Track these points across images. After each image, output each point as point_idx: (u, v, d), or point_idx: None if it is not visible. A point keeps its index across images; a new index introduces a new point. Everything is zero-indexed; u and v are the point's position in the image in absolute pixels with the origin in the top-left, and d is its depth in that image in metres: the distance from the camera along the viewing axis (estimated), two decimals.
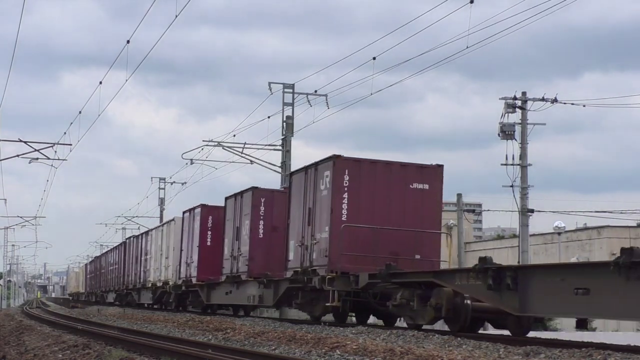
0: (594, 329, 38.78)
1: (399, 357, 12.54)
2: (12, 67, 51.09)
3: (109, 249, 70.29)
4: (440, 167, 22.50)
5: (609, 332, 34.93)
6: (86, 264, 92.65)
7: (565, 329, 35.02)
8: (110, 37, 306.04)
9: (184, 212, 36.98)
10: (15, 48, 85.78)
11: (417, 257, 21.75)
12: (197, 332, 20.79)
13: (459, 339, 15.96)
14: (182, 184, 62.53)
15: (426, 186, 22.24)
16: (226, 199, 31.32)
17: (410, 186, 22.18)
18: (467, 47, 24.34)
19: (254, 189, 28.42)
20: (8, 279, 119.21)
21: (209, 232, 33.63)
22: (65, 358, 15.24)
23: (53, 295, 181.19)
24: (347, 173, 21.80)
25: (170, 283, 38.49)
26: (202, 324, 23.39)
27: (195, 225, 34.60)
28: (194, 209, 35.24)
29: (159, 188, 68.74)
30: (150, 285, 43.74)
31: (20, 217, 77.69)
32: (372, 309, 22.94)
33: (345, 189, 21.70)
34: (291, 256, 24.24)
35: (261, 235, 28.13)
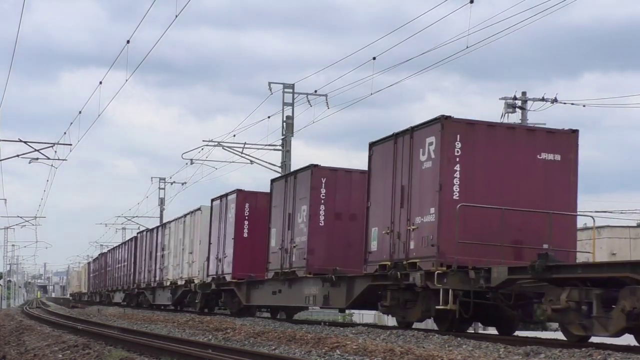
0: None
1: (399, 357, 12.54)
2: (12, 67, 51.11)
3: (113, 246, 68.12)
4: (575, 133, 18.66)
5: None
6: (89, 262, 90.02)
7: None
8: (110, 37, 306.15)
9: (213, 200, 32.81)
10: (15, 48, 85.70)
11: (545, 246, 17.45)
12: (197, 332, 20.80)
13: (459, 339, 15.97)
14: (182, 184, 62.48)
15: (557, 157, 18.46)
16: (272, 181, 27.42)
17: (538, 157, 18.50)
18: (467, 47, 24.29)
19: (313, 167, 24.18)
20: (8, 279, 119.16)
21: (246, 222, 29.63)
22: (65, 358, 15.24)
23: (53, 295, 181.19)
24: (459, 139, 17.80)
25: (196, 281, 34.40)
26: (202, 324, 23.40)
27: (229, 215, 30.46)
28: (226, 195, 31.13)
29: (159, 188, 68.67)
30: (168, 284, 39.68)
31: (20, 217, 77.67)
32: (497, 314, 18.42)
33: (457, 159, 17.75)
34: (374, 247, 20.17)
35: (322, 223, 24.02)
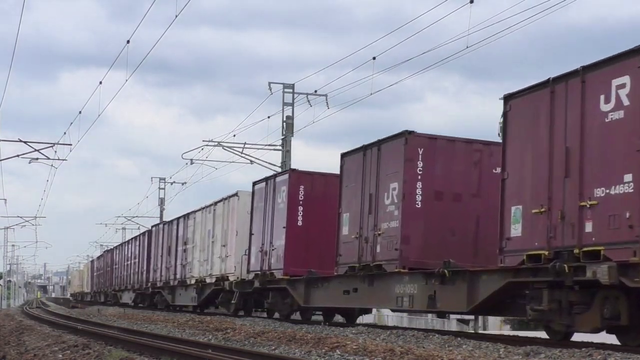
0: None
1: (399, 357, 12.54)
2: (12, 67, 51.16)
3: (117, 243, 66.46)
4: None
5: None
6: (92, 260, 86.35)
7: None
8: (110, 37, 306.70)
9: (254, 183, 28.21)
10: (15, 48, 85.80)
11: None
12: (197, 332, 20.80)
13: (458, 338, 15.98)
14: (182, 184, 62.45)
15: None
16: (344, 155, 22.24)
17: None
18: (467, 47, 24.24)
19: (407, 135, 19.43)
20: (8, 279, 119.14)
21: (300, 208, 25.07)
22: (65, 358, 15.23)
23: (53, 295, 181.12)
24: None
25: (231, 279, 29.78)
26: (202, 324, 23.40)
27: (278, 199, 25.89)
28: (274, 177, 26.84)
29: (159, 188, 68.64)
30: (193, 282, 35.16)
31: (20, 217, 77.73)
32: None
33: None
34: (515, 231, 15.49)
35: (419, 205, 19.29)
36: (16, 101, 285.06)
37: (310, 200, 25.12)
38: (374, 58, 30.26)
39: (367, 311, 26.81)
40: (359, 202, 21.21)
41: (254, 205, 27.89)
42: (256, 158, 41.27)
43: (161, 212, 68.26)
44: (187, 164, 46.69)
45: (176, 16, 22.46)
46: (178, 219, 39.84)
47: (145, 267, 46.83)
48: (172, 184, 64.92)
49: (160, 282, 41.98)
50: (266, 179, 27.10)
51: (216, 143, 42.19)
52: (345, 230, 21.89)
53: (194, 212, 36.64)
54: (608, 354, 12.49)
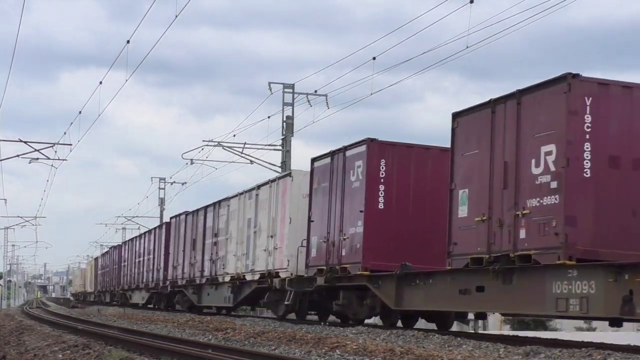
0: (594, 329, 38.74)
1: (399, 357, 12.54)
2: (12, 67, 51.15)
3: (115, 243, 65.33)
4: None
5: (609, 331, 34.94)
6: (97, 258, 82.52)
7: (565, 329, 35.01)
8: (110, 37, 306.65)
9: (314, 159, 23.36)
10: (15, 48, 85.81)
11: None
12: (197, 332, 20.79)
13: (458, 338, 15.98)
14: (182, 184, 62.43)
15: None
16: (456, 115, 17.58)
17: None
18: (467, 47, 24.21)
19: (571, 78, 14.61)
20: (8, 279, 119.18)
21: (382, 187, 20.45)
22: (65, 358, 15.23)
23: (53, 295, 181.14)
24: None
25: (283, 275, 25.07)
26: (202, 324, 23.38)
27: (351, 177, 21.17)
28: (344, 149, 21.60)
29: (159, 188, 68.63)
30: (228, 279, 30.61)
31: (20, 217, 77.78)
32: None
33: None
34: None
35: (587, 174, 14.53)
36: (16, 101, 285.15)
37: (394, 177, 20.50)
38: (374, 58, 30.24)
39: (482, 315, 20.89)
40: (485, 173, 16.53)
41: (314, 186, 23.17)
42: (256, 158, 41.29)
43: (161, 212, 68.27)
44: (187, 164, 46.67)
45: (176, 16, 22.47)
46: (206, 207, 34.73)
47: (162, 264, 42.17)
48: (172, 184, 64.92)
49: (183, 279, 37.16)
50: (332, 154, 22.30)
51: (216, 143, 42.21)
52: (462, 212, 17.18)
53: (228, 198, 31.76)
54: (608, 354, 12.50)
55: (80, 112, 36.78)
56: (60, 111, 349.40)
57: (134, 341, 17.06)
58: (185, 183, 62.44)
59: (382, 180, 20.47)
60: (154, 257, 44.85)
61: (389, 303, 19.51)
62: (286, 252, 25.00)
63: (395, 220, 20.40)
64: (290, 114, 39.12)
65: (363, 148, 20.76)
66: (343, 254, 21.20)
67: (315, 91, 38.82)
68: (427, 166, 20.47)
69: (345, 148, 21.58)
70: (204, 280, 33.89)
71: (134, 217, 77.96)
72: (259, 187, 28.27)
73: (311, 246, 23.13)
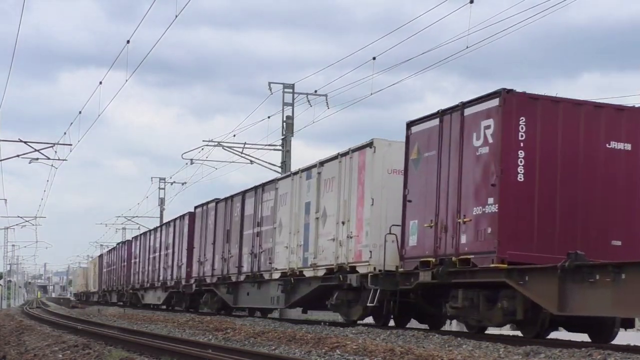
0: None
1: (399, 357, 12.54)
2: (12, 67, 51.15)
3: (126, 238, 62.71)
4: None
5: None
6: (101, 255, 78.81)
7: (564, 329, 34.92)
8: (110, 37, 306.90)
9: (410, 123, 18.83)
10: (15, 48, 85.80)
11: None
12: (197, 332, 20.79)
13: (458, 338, 15.98)
14: (182, 184, 62.44)
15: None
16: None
17: None
18: (467, 47, 24.23)
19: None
20: (8, 279, 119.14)
21: (521, 154, 15.72)
22: (66, 358, 15.23)
23: (53, 295, 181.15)
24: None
25: (362, 270, 20.32)
26: (202, 324, 23.38)
27: (474, 142, 16.43)
28: (462, 106, 16.93)
29: (159, 188, 68.64)
30: (277, 276, 25.88)
31: (20, 217, 77.73)
32: None
33: None
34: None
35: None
36: (16, 101, 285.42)
37: (537, 140, 15.89)
38: (373, 58, 30.24)
39: (628, 322, 16.19)
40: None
41: (412, 157, 18.61)
42: (256, 158, 41.26)
43: (161, 212, 68.29)
44: (187, 164, 46.63)
45: (176, 16, 22.47)
46: (244, 192, 30.06)
47: (184, 259, 37.35)
48: (172, 184, 64.90)
49: (213, 277, 32.56)
50: (441, 113, 17.55)
51: (216, 143, 42.20)
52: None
53: (275, 180, 27.34)
54: (608, 354, 12.51)
55: (80, 112, 36.80)
56: (60, 111, 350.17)
57: (134, 341, 17.06)
58: (185, 183, 62.47)
59: (520, 145, 15.74)
60: (173, 252, 40.03)
61: (549, 306, 14.65)
62: (366, 242, 20.37)
63: (541, 198, 15.82)
64: (290, 114, 39.12)
65: (495, 102, 15.96)
66: (463, 241, 16.53)
67: (315, 91, 38.83)
68: (578, 126, 16.13)
69: (464, 105, 16.91)
70: (242, 278, 29.15)
71: (133, 217, 77.98)
72: (321, 163, 23.39)
73: (408, 233, 18.43)
